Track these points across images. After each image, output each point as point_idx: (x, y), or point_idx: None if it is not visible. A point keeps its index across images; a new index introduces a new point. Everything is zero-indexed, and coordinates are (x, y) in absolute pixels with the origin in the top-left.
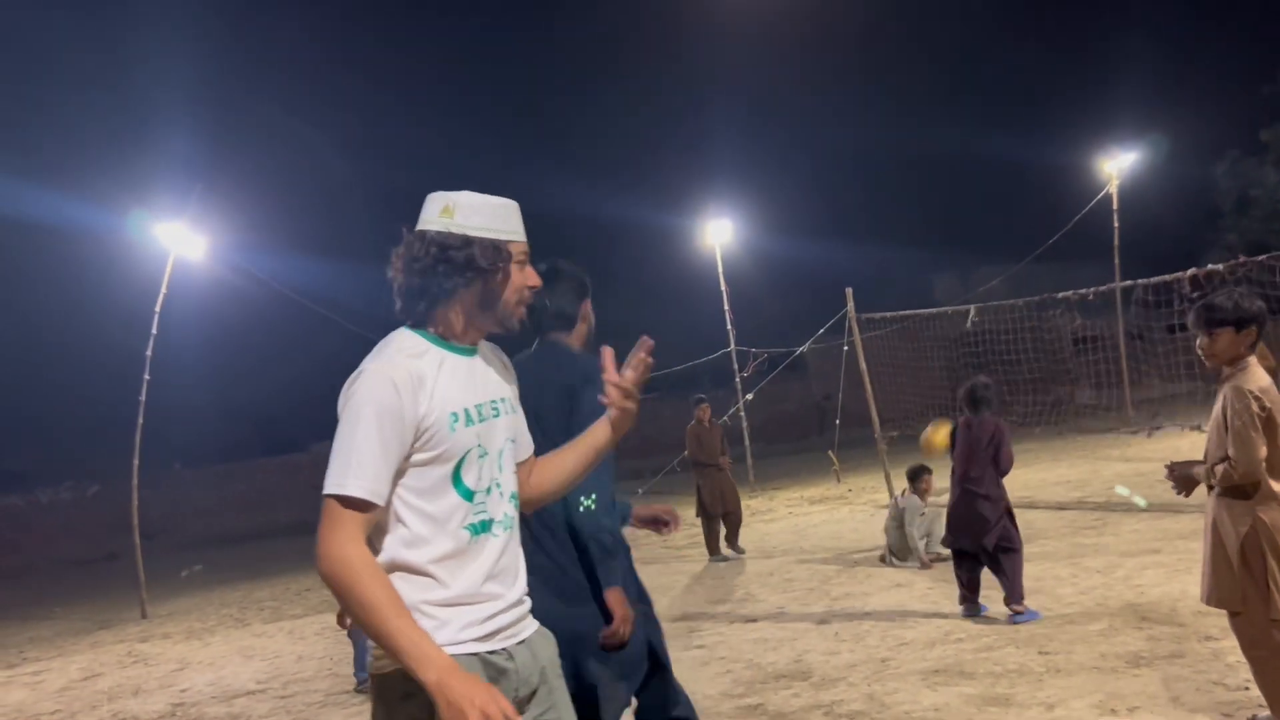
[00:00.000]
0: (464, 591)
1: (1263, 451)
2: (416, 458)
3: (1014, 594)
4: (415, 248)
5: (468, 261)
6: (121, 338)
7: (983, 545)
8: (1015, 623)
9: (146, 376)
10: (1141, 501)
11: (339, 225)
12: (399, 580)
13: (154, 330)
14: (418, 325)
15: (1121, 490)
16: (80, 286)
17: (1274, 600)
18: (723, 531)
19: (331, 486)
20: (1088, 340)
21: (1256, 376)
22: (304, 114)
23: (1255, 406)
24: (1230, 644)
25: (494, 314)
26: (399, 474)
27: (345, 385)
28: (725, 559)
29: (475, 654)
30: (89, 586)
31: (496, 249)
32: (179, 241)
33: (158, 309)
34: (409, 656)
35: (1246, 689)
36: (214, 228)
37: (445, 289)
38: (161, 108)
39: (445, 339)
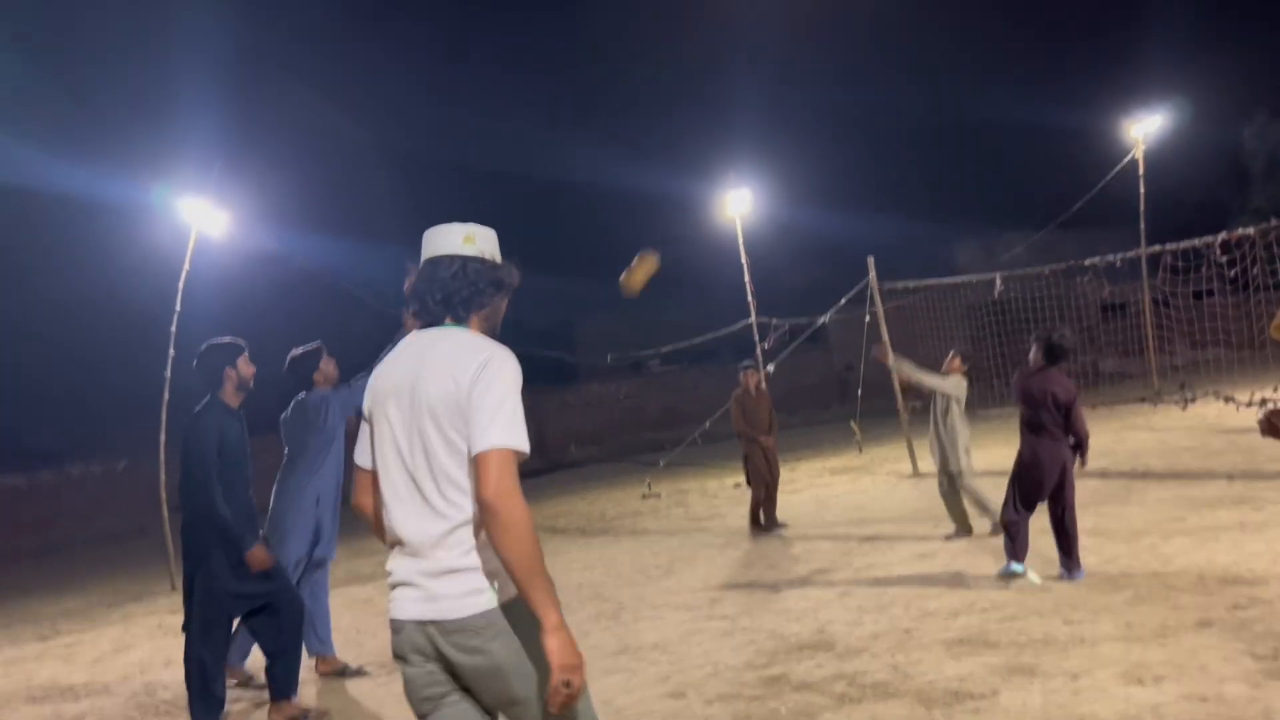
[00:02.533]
0: None
1: None
2: None
3: (1072, 552)
4: (465, 267)
5: (505, 282)
6: (147, 314)
7: (1049, 499)
8: (1066, 580)
9: (172, 352)
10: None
11: (362, 204)
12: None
13: (178, 306)
14: (460, 323)
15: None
16: (105, 261)
17: None
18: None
19: (510, 440)
20: (1114, 308)
21: None
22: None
23: None
24: (1258, 613)
25: (494, 322)
26: None
27: (485, 359)
28: (775, 528)
29: None
30: (119, 560)
31: (514, 274)
32: (202, 217)
33: (181, 285)
34: (547, 598)
35: (1276, 658)
36: (237, 204)
37: (484, 299)
38: (186, 83)
39: None
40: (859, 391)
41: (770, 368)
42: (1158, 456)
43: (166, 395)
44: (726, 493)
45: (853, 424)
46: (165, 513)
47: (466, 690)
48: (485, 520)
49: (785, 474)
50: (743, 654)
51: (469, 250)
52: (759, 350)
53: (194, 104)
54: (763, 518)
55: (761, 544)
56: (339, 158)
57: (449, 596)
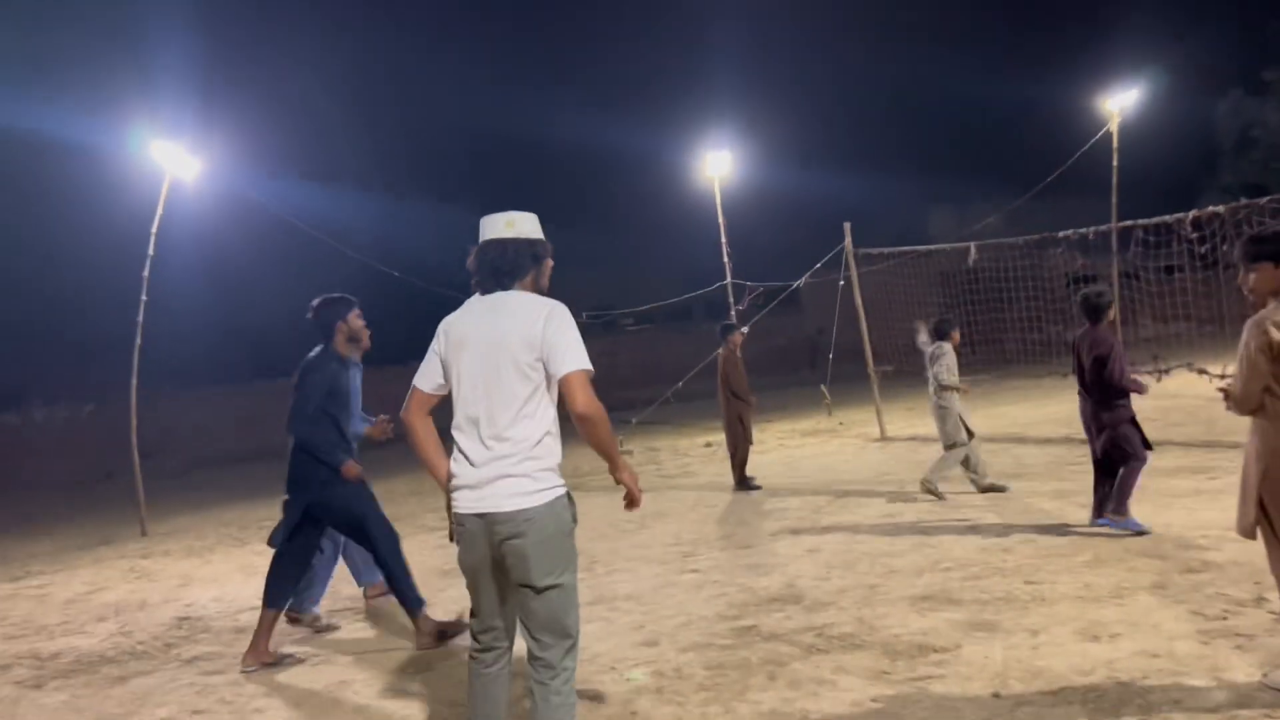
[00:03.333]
0: None
1: (1260, 383)
2: None
3: (1120, 503)
4: (511, 247)
5: (540, 255)
6: (119, 258)
7: (1095, 452)
8: (1109, 527)
9: (144, 297)
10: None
11: (340, 153)
12: (555, 437)
13: (150, 251)
14: (508, 289)
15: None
16: (77, 203)
17: None
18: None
19: (585, 364)
20: (1083, 280)
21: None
22: (305, 38)
23: (1272, 336)
24: (1210, 576)
25: (541, 283)
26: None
27: (541, 311)
28: (754, 489)
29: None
30: (87, 505)
31: (547, 246)
32: (175, 162)
33: (154, 230)
34: (619, 459)
35: (1224, 619)
36: (212, 149)
37: (524, 270)
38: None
39: None
40: (830, 355)
41: (744, 330)
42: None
43: (139, 340)
44: (698, 451)
45: (823, 388)
46: (135, 458)
47: (498, 568)
48: (578, 420)
49: (755, 435)
50: (714, 605)
51: (509, 233)
52: (732, 312)
53: (170, 46)
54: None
55: (733, 501)
56: (313, 105)
57: (498, 495)
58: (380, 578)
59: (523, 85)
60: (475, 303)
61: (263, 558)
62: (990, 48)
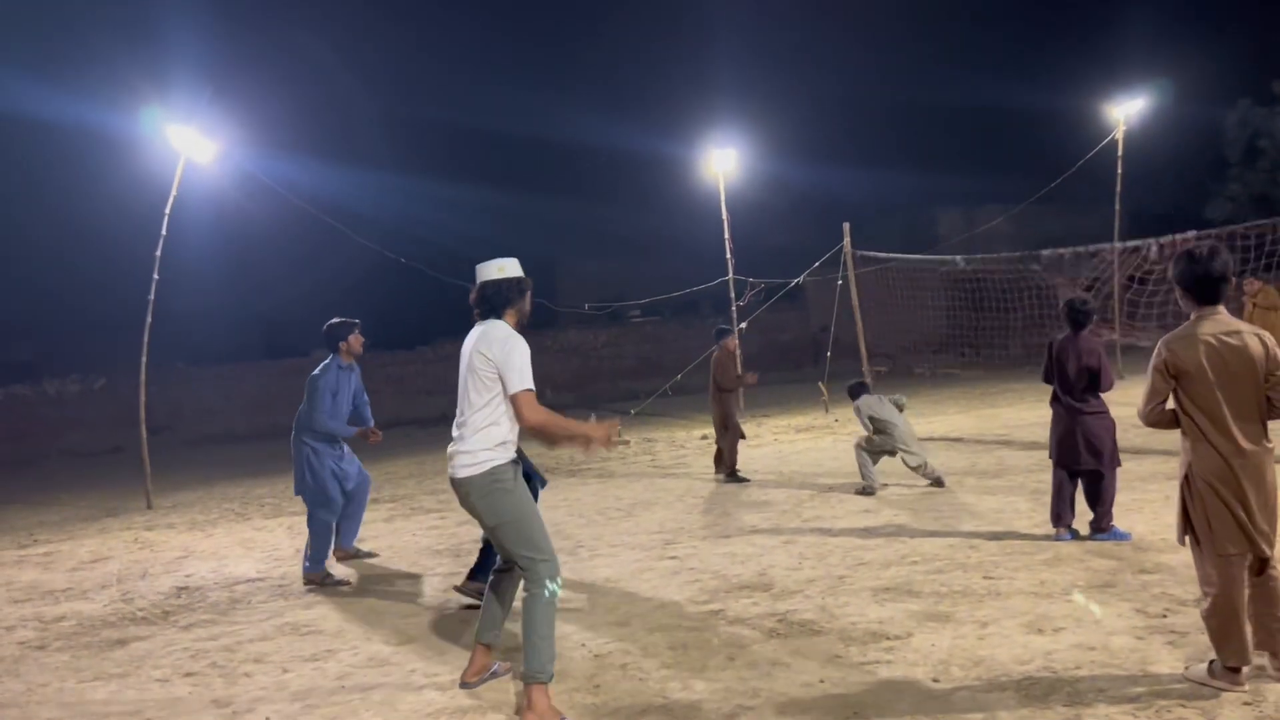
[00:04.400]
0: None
1: (1155, 400)
2: None
3: (1109, 514)
4: (497, 286)
5: (524, 290)
6: (132, 237)
7: (1100, 465)
8: (1103, 540)
9: (156, 276)
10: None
11: (349, 138)
12: (506, 429)
13: (164, 231)
14: (499, 318)
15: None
16: (93, 184)
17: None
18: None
19: (529, 384)
20: (1085, 286)
21: (1185, 329)
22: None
23: (1161, 356)
24: (1159, 577)
25: (524, 311)
26: None
27: (500, 339)
28: (746, 480)
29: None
30: (94, 477)
31: (527, 282)
32: (190, 144)
33: (168, 210)
34: (574, 431)
35: (1164, 616)
36: (226, 132)
37: (510, 303)
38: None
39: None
40: (828, 353)
41: (744, 325)
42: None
43: (149, 319)
44: (693, 443)
45: (820, 384)
46: (144, 433)
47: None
48: (530, 430)
49: (751, 429)
50: (686, 591)
51: (500, 276)
52: (734, 307)
53: (186, 31)
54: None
55: (719, 493)
56: (327, 93)
57: (463, 466)
58: (351, 542)
59: (533, 79)
60: (474, 329)
61: (262, 534)
62: (1001, 52)
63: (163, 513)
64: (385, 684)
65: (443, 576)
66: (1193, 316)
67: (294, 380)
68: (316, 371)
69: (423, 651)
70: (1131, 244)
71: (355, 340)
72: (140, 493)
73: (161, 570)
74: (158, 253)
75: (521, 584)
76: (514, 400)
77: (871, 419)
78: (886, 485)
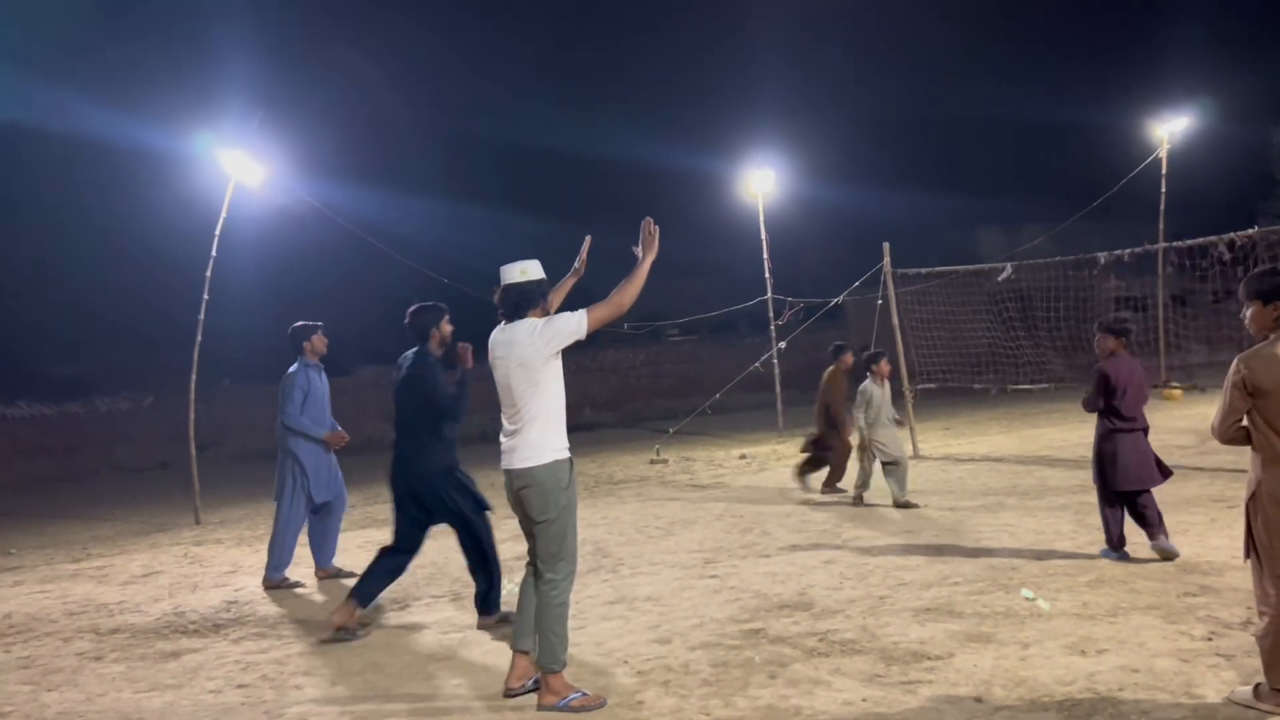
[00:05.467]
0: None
1: (1232, 418)
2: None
3: (1163, 528)
4: (521, 288)
5: (544, 291)
6: (183, 258)
7: (1155, 483)
8: (1169, 554)
9: (205, 296)
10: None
11: (391, 161)
12: (560, 425)
13: (214, 252)
14: (523, 318)
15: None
16: (145, 206)
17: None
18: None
19: (579, 314)
20: (1127, 302)
21: (1264, 347)
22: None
23: (1239, 373)
24: (1205, 600)
25: (548, 307)
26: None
27: (533, 329)
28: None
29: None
30: (144, 492)
31: (547, 283)
32: (240, 167)
33: (218, 232)
34: (640, 272)
35: (1210, 639)
36: (274, 155)
37: (533, 305)
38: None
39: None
40: (869, 372)
41: (783, 345)
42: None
43: (199, 337)
44: (732, 462)
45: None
46: (192, 449)
47: (522, 510)
48: (620, 311)
49: (791, 449)
50: (727, 609)
51: (522, 279)
52: (772, 327)
53: (237, 59)
54: (818, 481)
55: (759, 513)
56: (371, 117)
57: (522, 458)
58: (330, 561)
59: (575, 101)
60: (501, 329)
61: (307, 549)
62: (1041, 70)
63: (211, 528)
64: (431, 695)
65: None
66: (1270, 336)
67: (337, 399)
68: (288, 372)
69: (466, 664)
70: (1195, 242)
71: (319, 340)
72: (189, 508)
73: (211, 584)
74: (208, 273)
75: (540, 584)
76: (588, 321)
77: (867, 404)
78: (925, 505)
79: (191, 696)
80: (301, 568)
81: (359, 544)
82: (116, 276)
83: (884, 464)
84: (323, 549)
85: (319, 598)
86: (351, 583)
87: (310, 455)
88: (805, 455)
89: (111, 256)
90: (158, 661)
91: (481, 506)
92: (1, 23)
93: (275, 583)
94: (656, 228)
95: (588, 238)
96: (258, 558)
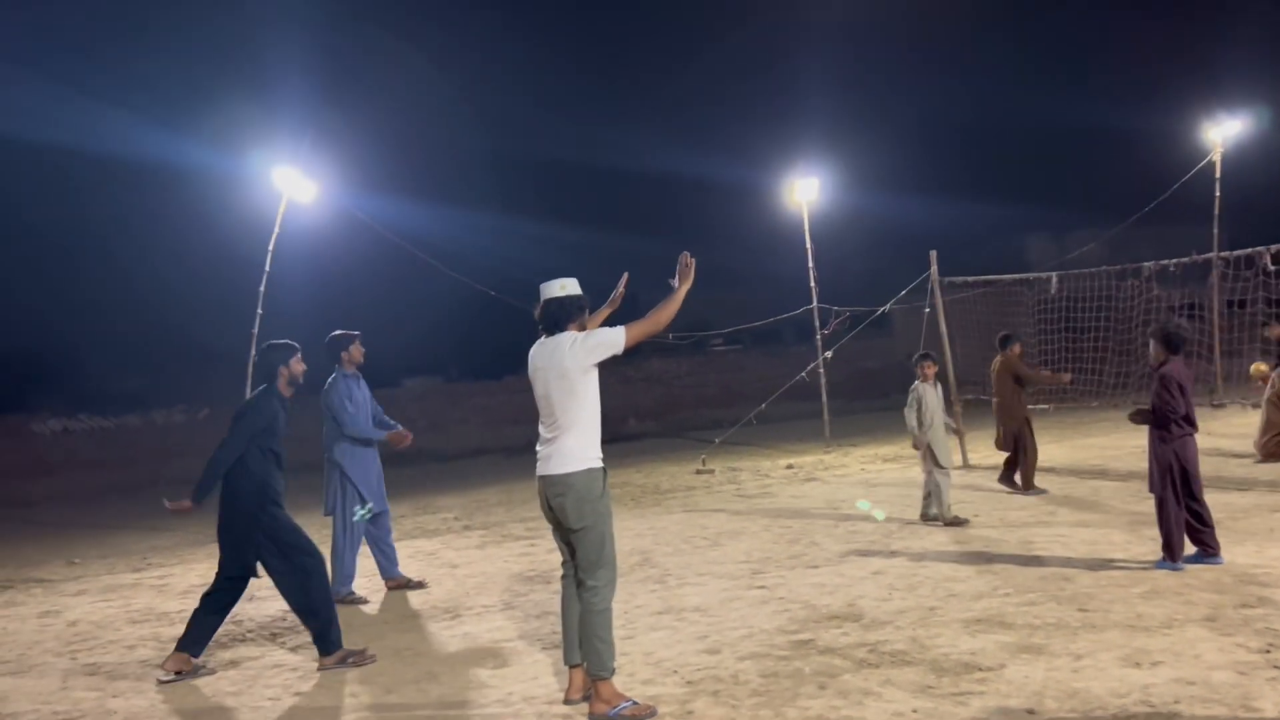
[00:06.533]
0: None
1: (1271, 432)
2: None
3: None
4: (560, 303)
5: (582, 307)
6: (238, 273)
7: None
8: (1218, 564)
9: (260, 310)
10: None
11: (439, 176)
12: (596, 434)
13: (267, 267)
14: (562, 332)
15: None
16: (202, 224)
17: None
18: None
19: (618, 331)
20: (1182, 309)
21: None
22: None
23: (1275, 387)
24: (1262, 612)
25: (584, 322)
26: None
27: (573, 341)
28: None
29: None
30: (201, 504)
31: (585, 299)
32: (292, 185)
33: (271, 247)
34: (674, 301)
35: (1267, 652)
36: (325, 173)
37: (571, 319)
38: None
39: None
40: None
41: (829, 354)
42: (1205, 463)
43: (253, 351)
44: (779, 472)
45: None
46: None
47: (556, 518)
48: (656, 329)
49: (838, 458)
50: (776, 620)
51: (562, 294)
52: (818, 336)
53: (289, 80)
54: (1018, 480)
55: (806, 523)
56: (419, 133)
57: (559, 464)
58: (397, 570)
59: (620, 115)
60: (541, 343)
61: (360, 559)
62: (1093, 75)
63: None
64: (485, 704)
65: (535, 603)
66: None
67: (387, 410)
68: (326, 386)
69: (519, 674)
70: (1243, 252)
71: (356, 350)
72: None
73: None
74: (262, 287)
75: (582, 592)
76: (627, 336)
77: (919, 404)
78: (978, 515)
79: (251, 704)
80: (363, 579)
81: (409, 554)
82: (173, 292)
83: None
84: (386, 558)
85: (378, 609)
86: (418, 592)
87: (356, 466)
88: (1006, 456)
89: (169, 273)
90: (218, 669)
91: (302, 550)
92: (61, 50)
93: (341, 597)
94: (693, 260)
95: (625, 275)
96: None
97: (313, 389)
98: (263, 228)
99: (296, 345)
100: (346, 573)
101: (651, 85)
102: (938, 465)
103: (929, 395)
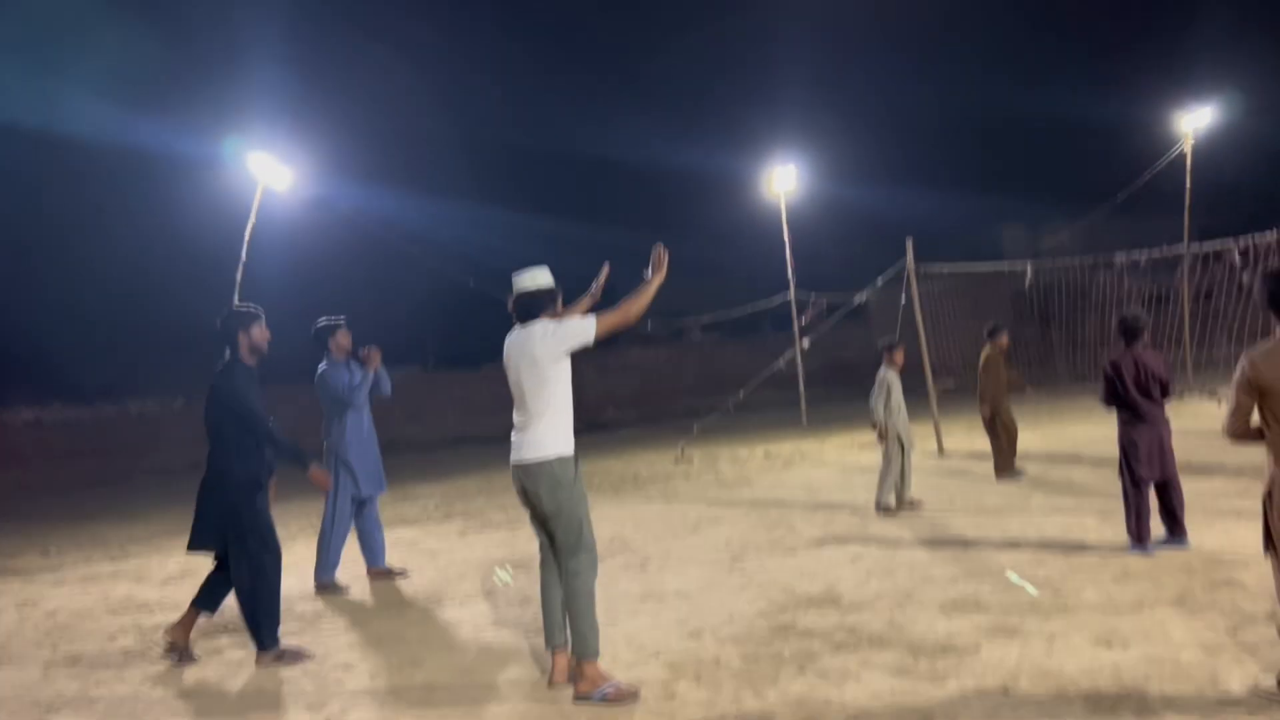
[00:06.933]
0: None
1: (1240, 415)
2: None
3: (1182, 523)
4: (533, 294)
5: (554, 297)
6: (212, 263)
7: (1172, 475)
8: (1183, 547)
9: (236, 299)
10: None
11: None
12: (567, 421)
13: (243, 256)
14: (539, 318)
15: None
16: (174, 211)
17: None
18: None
19: (589, 320)
20: (1157, 298)
21: (1271, 344)
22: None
23: (1245, 371)
24: (1230, 593)
25: (558, 312)
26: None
27: (544, 332)
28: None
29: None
30: (176, 493)
31: (557, 291)
32: (268, 172)
33: (247, 235)
34: (648, 290)
35: (1234, 631)
36: (301, 160)
37: (542, 309)
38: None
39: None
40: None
41: (806, 343)
42: (1176, 449)
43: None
44: (757, 460)
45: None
46: None
47: (531, 504)
48: (628, 322)
49: (814, 446)
50: (756, 604)
51: (533, 286)
52: (796, 324)
53: (264, 66)
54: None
55: (785, 510)
56: (393, 122)
57: (531, 451)
58: (382, 560)
59: (597, 103)
60: (514, 331)
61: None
62: (1066, 65)
63: None
64: (469, 688)
65: (516, 589)
66: (1277, 332)
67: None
68: (319, 374)
69: (503, 659)
70: (1211, 245)
71: (343, 336)
72: None
73: None
74: (238, 276)
75: (564, 576)
76: (597, 327)
77: (889, 392)
78: (953, 500)
79: (235, 690)
80: (344, 568)
81: (389, 542)
82: (146, 281)
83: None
84: (371, 548)
85: (362, 596)
86: (403, 582)
87: (355, 451)
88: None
89: (141, 261)
90: (201, 657)
91: (267, 545)
92: (33, 31)
93: (325, 584)
94: (666, 252)
95: (605, 266)
96: (289, 557)
97: (306, 376)
98: (238, 215)
99: (258, 311)
100: (332, 560)
101: (628, 75)
102: (902, 449)
103: (897, 383)
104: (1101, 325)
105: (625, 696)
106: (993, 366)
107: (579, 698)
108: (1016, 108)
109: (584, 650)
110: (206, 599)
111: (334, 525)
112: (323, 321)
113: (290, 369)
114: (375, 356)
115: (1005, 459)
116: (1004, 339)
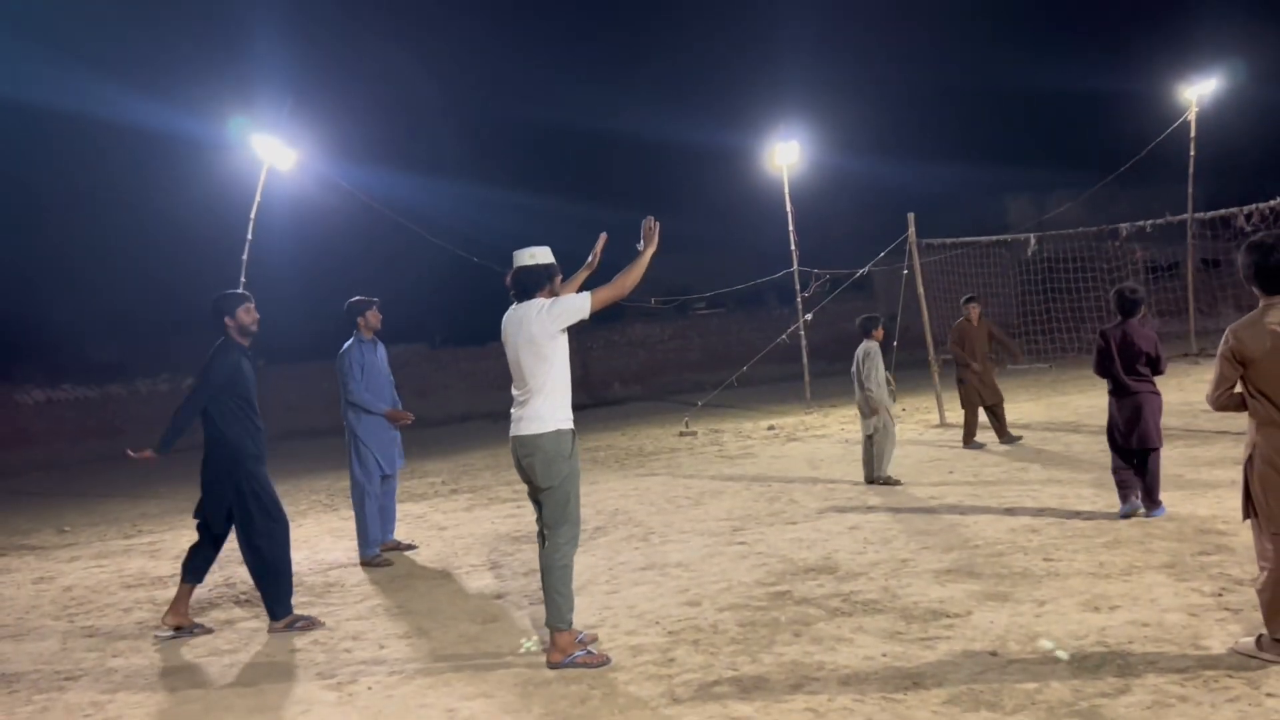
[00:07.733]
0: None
1: (1224, 386)
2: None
3: (1157, 491)
4: (530, 271)
5: (552, 275)
6: (219, 241)
7: (1157, 443)
8: (1152, 517)
9: (243, 279)
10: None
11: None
12: (565, 396)
13: (249, 235)
14: (532, 299)
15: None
16: (182, 192)
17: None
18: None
19: (584, 296)
20: (1162, 268)
21: (1252, 317)
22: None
23: (1228, 343)
24: (1219, 559)
25: (556, 289)
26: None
27: (540, 308)
28: (1010, 440)
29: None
30: (187, 471)
31: (555, 268)
32: (272, 152)
33: (253, 215)
34: (641, 264)
35: (1220, 595)
36: (306, 140)
37: (540, 286)
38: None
39: None
40: (894, 343)
41: (809, 316)
42: (1175, 416)
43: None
44: (760, 434)
45: (887, 374)
46: None
47: (527, 478)
48: (621, 295)
49: (818, 419)
50: (754, 574)
51: (531, 262)
52: (799, 298)
53: (268, 46)
54: (997, 435)
55: (786, 482)
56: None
57: (530, 425)
58: (391, 534)
59: (597, 78)
60: (512, 309)
61: (349, 523)
62: (1069, 34)
63: None
64: (475, 656)
65: (522, 562)
66: (1261, 305)
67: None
68: (341, 351)
69: (508, 628)
70: (1217, 213)
71: (373, 315)
72: None
73: None
74: (244, 256)
75: (545, 548)
76: (593, 302)
77: (877, 365)
78: (952, 471)
79: (249, 660)
80: (347, 541)
81: (398, 517)
82: (155, 260)
83: (870, 435)
84: (383, 522)
85: (372, 569)
86: (412, 555)
87: (370, 431)
88: (995, 420)
89: (149, 241)
90: (215, 629)
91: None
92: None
93: (369, 560)
94: (657, 224)
95: (602, 235)
96: (300, 532)
97: (310, 354)
98: (244, 196)
99: (246, 294)
100: (373, 537)
101: (629, 50)
102: (889, 420)
103: (879, 354)
104: (1106, 296)
105: (594, 663)
106: (959, 335)
107: (551, 665)
108: (1021, 78)
109: (557, 620)
110: (192, 570)
111: (364, 501)
112: (355, 299)
113: (297, 347)
114: (404, 420)
115: (968, 427)
116: (973, 309)
